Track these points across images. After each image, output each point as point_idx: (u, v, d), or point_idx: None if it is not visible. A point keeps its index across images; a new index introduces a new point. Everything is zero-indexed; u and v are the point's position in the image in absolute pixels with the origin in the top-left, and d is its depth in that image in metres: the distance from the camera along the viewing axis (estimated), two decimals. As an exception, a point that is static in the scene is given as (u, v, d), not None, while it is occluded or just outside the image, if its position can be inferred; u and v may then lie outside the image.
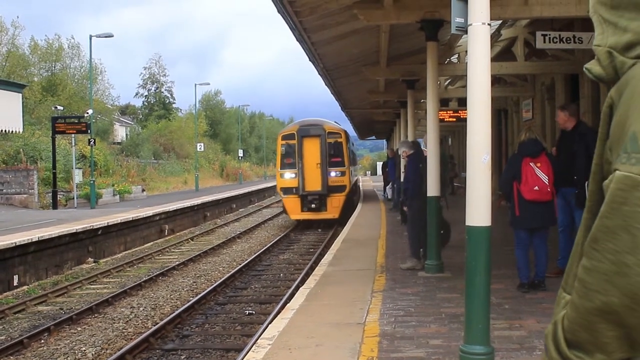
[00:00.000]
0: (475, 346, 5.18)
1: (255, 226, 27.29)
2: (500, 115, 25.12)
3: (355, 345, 6.21)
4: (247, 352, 6.87)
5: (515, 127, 22.36)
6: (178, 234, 26.02)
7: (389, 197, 25.30)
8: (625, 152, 1.14)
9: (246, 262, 16.99)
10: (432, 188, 9.99)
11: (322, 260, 12.21)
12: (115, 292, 13.91)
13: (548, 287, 8.18)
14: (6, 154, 31.80)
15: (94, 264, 18.40)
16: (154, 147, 57.42)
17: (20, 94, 32.13)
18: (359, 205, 26.11)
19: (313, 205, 23.67)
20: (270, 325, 7.50)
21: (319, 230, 24.09)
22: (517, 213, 8.13)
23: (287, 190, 23.98)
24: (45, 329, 10.96)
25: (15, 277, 15.03)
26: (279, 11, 10.23)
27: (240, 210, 37.87)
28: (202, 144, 52.03)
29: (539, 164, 8.03)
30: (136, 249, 21.76)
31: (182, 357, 9.43)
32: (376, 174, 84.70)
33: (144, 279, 15.39)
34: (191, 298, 13.13)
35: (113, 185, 35.45)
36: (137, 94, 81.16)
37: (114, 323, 11.50)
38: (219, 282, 14.29)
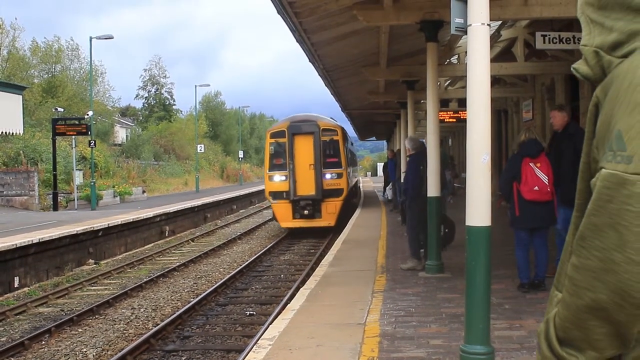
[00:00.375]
0: (476, 346, 5.19)
1: (256, 227, 27.29)
2: (501, 115, 25.13)
3: (356, 345, 6.22)
4: (248, 352, 6.88)
5: (515, 127, 22.37)
6: (178, 235, 26.02)
7: (389, 197, 25.15)
8: (610, 150, 1.16)
9: (247, 263, 16.99)
10: (433, 189, 10.00)
11: (322, 261, 12.22)
12: (115, 293, 13.92)
13: (548, 287, 8.17)
14: (7, 155, 31.82)
15: (94, 265, 18.40)
16: (154, 148, 57.43)
17: (21, 96, 32.11)
18: (359, 207, 26.12)
19: (306, 212, 21.22)
20: (270, 325, 7.50)
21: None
22: (517, 213, 8.14)
23: (276, 195, 21.50)
24: (46, 330, 10.96)
25: (16, 279, 15.04)
26: (278, 12, 10.24)
27: (241, 211, 37.89)
28: (202, 145, 52.08)
29: (538, 164, 8.04)
30: (137, 250, 21.77)
31: (183, 358, 9.44)
32: (376, 175, 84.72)
33: (145, 280, 15.40)
34: (192, 299, 13.14)
35: (113, 187, 35.46)
36: (137, 96, 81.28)
37: (114, 324, 11.51)
38: (220, 283, 14.29)
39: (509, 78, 18.77)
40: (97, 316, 12.16)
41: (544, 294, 8.01)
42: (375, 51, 14.78)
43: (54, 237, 16.63)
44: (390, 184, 25.04)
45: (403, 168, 18.51)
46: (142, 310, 12.56)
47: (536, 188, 8.00)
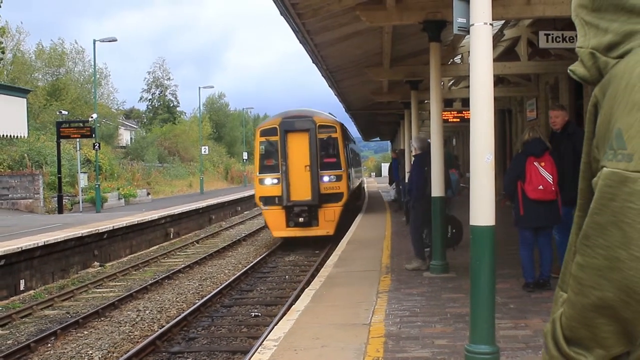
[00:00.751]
0: (481, 346, 5.18)
1: (261, 228, 27.28)
2: (505, 115, 25.09)
3: (361, 345, 6.22)
4: (253, 353, 6.88)
5: (519, 127, 22.33)
6: (183, 237, 26.06)
7: (393, 197, 25.04)
8: (611, 149, 1.17)
9: (252, 264, 17.00)
10: (437, 189, 10.00)
11: (327, 261, 12.23)
12: (121, 295, 13.95)
13: (553, 286, 8.14)
14: (11, 159, 31.90)
15: (99, 267, 18.45)
16: (158, 150, 57.50)
17: (25, 99, 32.22)
18: (364, 207, 26.10)
19: (301, 219, 18.90)
20: (276, 326, 7.51)
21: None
22: (522, 212, 8.13)
23: (268, 201, 19.22)
24: (51, 333, 11.00)
25: (22, 282, 15.09)
26: (281, 13, 10.26)
27: (245, 212, 37.91)
28: (206, 147, 52.11)
29: (543, 163, 8.03)
30: (142, 252, 21.81)
31: (189, 359, 9.45)
32: (381, 175, 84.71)
33: (150, 282, 15.43)
34: (197, 301, 13.15)
35: (118, 189, 35.51)
36: (141, 98, 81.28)
37: (120, 326, 11.53)
38: (225, 284, 14.30)
39: (512, 77, 18.74)
40: (102, 318, 12.18)
41: (549, 293, 8.00)
42: (378, 51, 14.78)
43: (59, 240, 16.67)
44: (394, 183, 25.03)
45: (407, 168, 18.55)
46: (147, 312, 12.58)
47: (540, 187, 7.98)
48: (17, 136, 31.36)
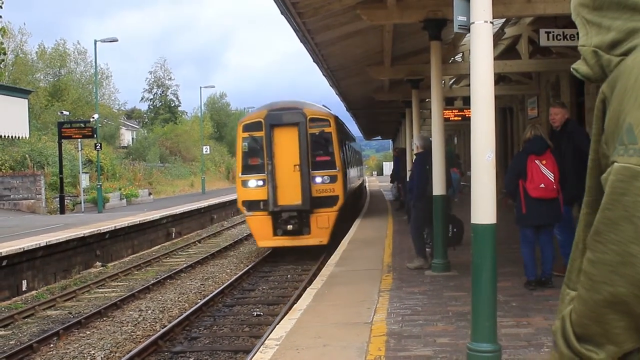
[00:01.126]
0: (483, 344, 5.18)
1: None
2: (506, 113, 25.07)
3: (363, 344, 6.22)
4: (255, 353, 6.89)
5: (520, 125, 22.31)
6: (185, 236, 26.08)
7: (394, 197, 25.02)
8: (622, 144, 1.17)
9: (253, 263, 17.00)
10: (438, 187, 9.99)
11: (329, 260, 12.23)
12: (123, 295, 13.96)
13: (555, 284, 8.17)
14: (13, 159, 31.93)
15: (101, 267, 18.46)
16: (160, 150, 57.58)
17: (26, 100, 32.27)
18: (365, 205, 26.10)
19: (290, 227, 16.69)
20: (277, 326, 7.52)
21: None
22: (524, 211, 8.12)
23: (252, 205, 16.96)
24: (54, 333, 11.01)
25: (24, 282, 15.11)
26: (282, 12, 10.25)
27: (247, 212, 37.86)
28: (208, 147, 52.13)
29: (544, 162, 8.01)
30: (144, 252, 21.82)
31: (191, 359, 9.46)
32: (382, 174, 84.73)
33: (152, 282, 15.45)
34: (199, 300, 13.16)
35: (120, 189, 35.55)
36: (142, 98, 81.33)
37: (122, 326, 11.54)
38: (227, 284, 14.31)
39: (513, 75, 18.72)
40: (104, 318, 12.20)
41: (551, 291, 8.00)
42: (379, 50, 14.78)
43: (61, 240, 16.69)
44: (395, 182, 25.01)
45: (408, 166, 18.54)
46: (149, 312, 12.59)
47: (542, 185, 7.97)
48: (18, 137, 31.42)
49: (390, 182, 28.51)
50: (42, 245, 15.70)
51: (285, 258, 17.91)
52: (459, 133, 37.91)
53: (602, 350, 1.22)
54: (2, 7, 27.95)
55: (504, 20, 13.80)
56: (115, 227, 19.94)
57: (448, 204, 11.74)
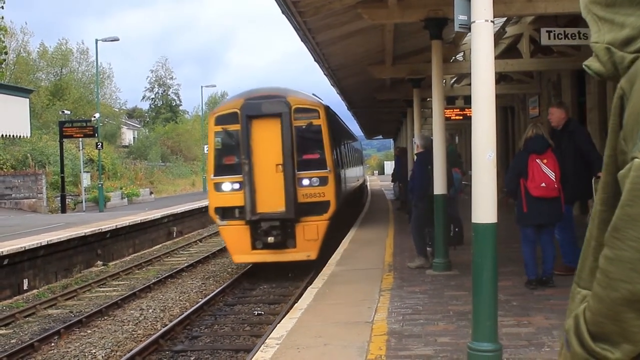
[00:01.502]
0: (483, 343, 5.17)
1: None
2: (507, 112, 25.06)
3: (364, 344, 6.22)
4: (256, 352, 6.89)
5: (522, 124, 22.30)
6: (186, 235, 26.10)
7: (395, 196, 24.96)
8: None
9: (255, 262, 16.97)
10: (439, 186, 9.99)
11: (330, 259, 12.22)
12: (124, 294, 13.96)
13: (556, 283, 8.16)
14: (14, 158, 31.98)
15: (103, 267, 18.47)
16: (161, 149, 57.64)
17: (28, 99, 32.29)
18: (366, 205, 26.08)
19: (271, 239, 13.84)
20: (278, 325, 7.52)
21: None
22: (525, 210, 8.11)
23: (226, 213, 14.19)
24: (55, 332, 11.02)
25: (25, 281, 15.12)
26: (283, 12, 10.25)
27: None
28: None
29: (545, 161, 8.00)
30: (145, 251, 21.83)
31: (192, 358, 9.46)
32: (383, 173, 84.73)
33: (153, 281, 15.45)
34: (200, 299, 13.16)
35: (121, 189, 35.58)
36: (144, 97, 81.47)
37: (123, 325, 11.55)
38: (228, 283, 14.31)
39: (514, 75, 18.72)
40: (105, 317, 12.20)
41: (552, 290, 7.99)
42: (380, 49, 14.77)
43: (62, 240, 16.70)
44: (396, 182, 24.97)
45: (409, 166, 18.52)
46: (150, 311, 12.59)
47: (543, 184, 7.96)
48: (19, 136, 31.44)
49: (392, 182, 28.46)
50: (43, 244, 15.71)
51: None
52: (460, 132, 37.90)
53: (617, 349, 1.20)
54: (3, 7, 27.96)
55: (505, 19, 13.78)
56: (116, 226, 19.95)
57: (453, 205, 11.74)
